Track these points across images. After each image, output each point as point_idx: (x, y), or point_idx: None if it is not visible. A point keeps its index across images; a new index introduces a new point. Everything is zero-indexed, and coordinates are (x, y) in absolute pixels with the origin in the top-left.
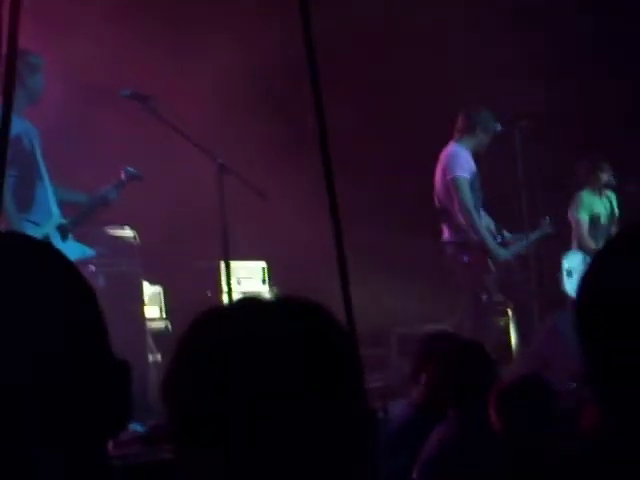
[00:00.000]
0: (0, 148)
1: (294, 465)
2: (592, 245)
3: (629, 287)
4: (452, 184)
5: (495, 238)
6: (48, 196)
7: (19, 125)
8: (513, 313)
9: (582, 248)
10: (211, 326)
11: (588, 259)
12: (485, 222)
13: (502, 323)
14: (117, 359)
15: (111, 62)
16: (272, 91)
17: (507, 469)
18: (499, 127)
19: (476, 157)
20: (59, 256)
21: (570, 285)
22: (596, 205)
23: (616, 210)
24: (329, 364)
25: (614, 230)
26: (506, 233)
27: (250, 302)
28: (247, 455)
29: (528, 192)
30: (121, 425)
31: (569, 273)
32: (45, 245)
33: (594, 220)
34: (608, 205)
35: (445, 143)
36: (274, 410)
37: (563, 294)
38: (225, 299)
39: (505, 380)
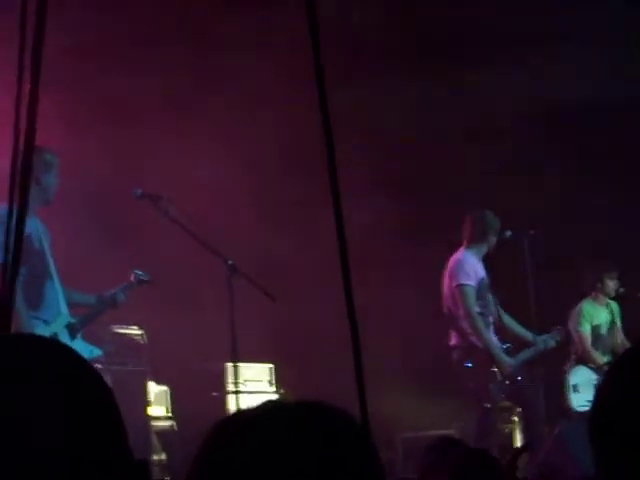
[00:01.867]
0: (14, 248)
1: None
2: (596, 358)
3: (636, 403)
4: (457, 292)
5: (502, 345)
6: (57, 295)
7: (30, 224)
8: (519, 419)
9: (586, 361)
10: (233, 431)
11: (594, 373)
12: (508, 321)
13: (507, 429)
14: (137, 459)
15: (121, 160)
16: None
17: None
18: (509, 233)
19: (486, 261)
20: (71, 355)
21: (577, 400)
22: (597, 315)
23: (617, 319)
24: (348, 473)
25: (616, 339)
26: (533, 336)
27: (273, 407)
28: None
29: (537, 300)
30: None
31: (575, 388)
32: (69, 349)
33: (595, 331)
34: (610, 314)
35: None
36: None
37: (567, 406)
38: (231, 400)
39: None
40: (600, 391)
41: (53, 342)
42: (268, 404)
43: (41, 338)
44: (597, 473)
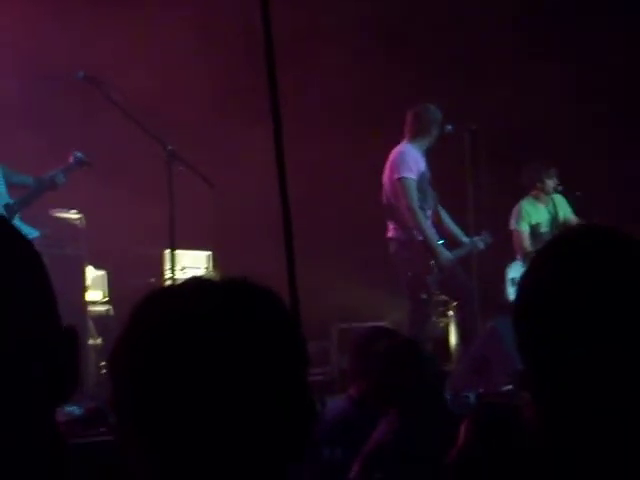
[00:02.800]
0: None
1: (230, 451)
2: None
3: (558, 289)
4: (399, 184)
5: (439, 239)
6: None
7: None
8: (454, 313)
9: (525, 258)
10: (158, 303)
11: None
12: (445, 218)
13: (443, 323)
14: (64, 326)
15: (64, 43)
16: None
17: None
18: (450, 128)
19: (427, 156)
20: (3, 223)
21: (513, 293)
22: (536, 213)
23: (562, 213)
24: (273, 349)
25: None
26: (464, 236)
27: (199, 282)
28: (183, 439)
29: (475, 195)
30: (71, 389)
31: (513, 281)
32: None
33: (534, 229)
34: (552, 210)
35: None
36: (212, 394)
37: (503, 300)
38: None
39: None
40: (522, 279)
41: None
42: (195, 279)
43: None
44: (522, 361)
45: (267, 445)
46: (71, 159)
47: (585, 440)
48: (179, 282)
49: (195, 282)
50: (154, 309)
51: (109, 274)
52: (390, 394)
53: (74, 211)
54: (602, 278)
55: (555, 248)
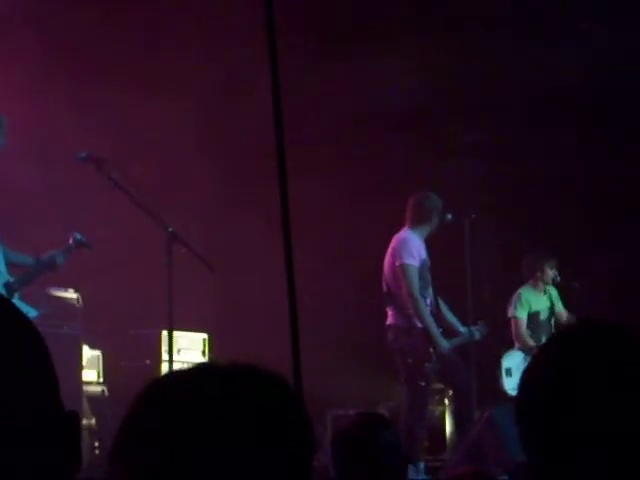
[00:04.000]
0: None
1: None
2: (531, 343)
3: (561, 387)
4: (400, 271)
5: (438, 327)
6: None
7: None
8: (450, 401)
9: (521, 347)
10: (164, 388)
11: (528, 358)
12: (443, 307)
13: (438, 411)
14: (66, 410)
15: (69, 123)
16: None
17: None
18: (451, 217)
19: (427, 243)
20: (9, 305)
21: (509, 384)
22: (535, 301)
23: (557, 305)
24: (281, 435)
25: (560, 323)
26: (461, 326)
27: (205, 367)
28: None
29: (474, 284)
30: (74, 473)
31: (508, 372)
32: (4, 300)
33: (533, 317)
34: (549, 300)
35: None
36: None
37: (500, 390)
38: (164, 368)
39: (450, 473)
40: (525, 373)
41: None
42: (201, 364)
43: None
44: (525, 453)
45: None
46: (71, 240)
47: None
48: (185, 368)
49: (200, 367)
50: (159, 394)
51: (104, 354)
52: None
53: (71, 290)
54: (606, 377)
55: (558, 344)
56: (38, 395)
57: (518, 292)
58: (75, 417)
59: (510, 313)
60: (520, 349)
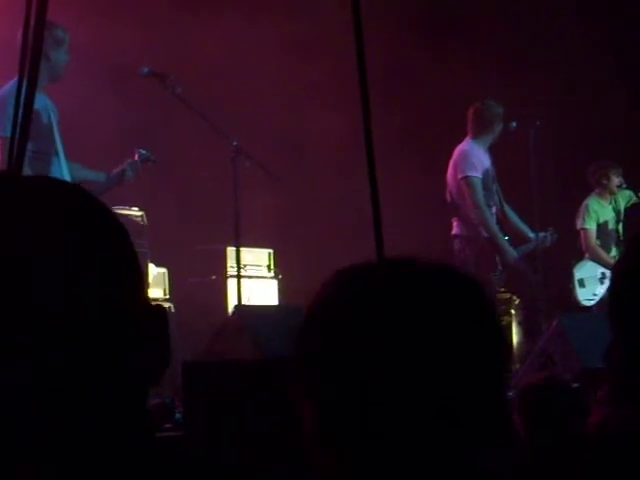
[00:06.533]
0: (22, 125)
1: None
2: (602, 254)
3: None
4: (463, 183)
5: (504, 236)
6: (63, 172)
7: (39, 100)
8: (517, 311)
9: (592, 258)
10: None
11: (599, 268)
12: (511, 215)
13: (505, 321)
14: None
15: (131, 40)
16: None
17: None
18: (515, 124)
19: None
20: (93, 198)
21: (582, 294)
22: (602, 212)
23: (622, 210)
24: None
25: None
26: (531, 232)
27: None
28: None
29: (540, 192)
30: (163, 370)
31: (581, 282)
32: (79, 188)
33: (601, 227)
34: (615, 208)
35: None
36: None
37: (571, 300)
38: (230, 284)
39: (521, 383)
40: (616, 267)
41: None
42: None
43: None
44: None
45: (457, 436)
46: (136, 156)
47: None
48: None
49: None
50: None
51: (170, 271)
52: None
53: (136, 208)
54: None
55: None
56: (128, 287)
57: (585, 203)
58: (162, 310)
59: (579, 225)
60: (591, 259)
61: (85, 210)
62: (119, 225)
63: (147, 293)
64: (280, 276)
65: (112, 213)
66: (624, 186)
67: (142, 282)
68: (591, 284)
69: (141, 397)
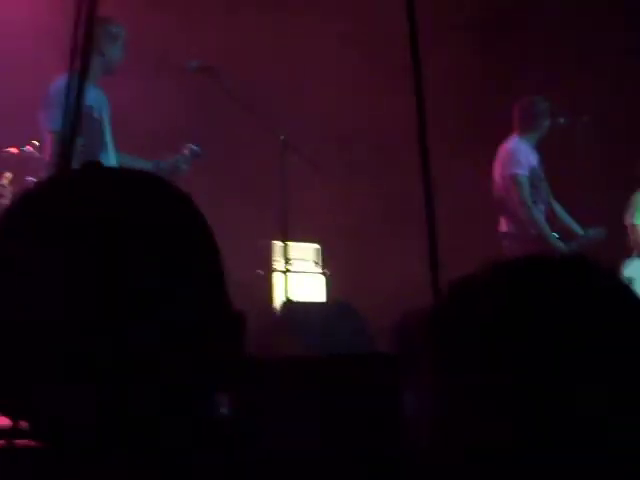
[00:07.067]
0: (74, 117)
1: None
2: None
3: None
4: (510, 181)
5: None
6: (116, 164)
7: (91, 95)
8: None
9: None
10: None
11: None
12: (559, 212)
13: None
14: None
15: (179, 33)
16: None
17: None
18: (563, 120)
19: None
20: (193, 204)
21: None
22: None
23: None
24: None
25: None
26: (580, 228)
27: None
28: None
29: (588, 189)
30: (233, 379)
31: (630, 281)
32: (183, 194)
33: None
34: None
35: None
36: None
37: None
38: (276, 279)
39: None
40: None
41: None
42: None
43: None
44: None
45: None
46: (186, 151)
47: None
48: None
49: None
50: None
51: None
52: None
53: None
54: None
55: None
56: (211, 291)
57: (634, 197)
58: (242, 318)
59: (628, 220)
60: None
61: (189, 218)
62: (211, 232)
63: (229, 297)
64: (328, 272)
65: (206, 221)
66: None
67: (226, 287)
68: None
69: (208, 400)
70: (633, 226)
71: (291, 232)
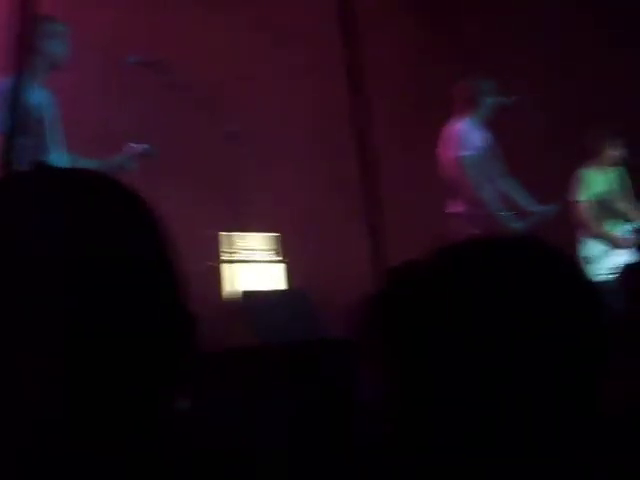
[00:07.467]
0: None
1: None
2: (597, 228)
3: None
4: (456, 163)
5: (506, 211)
6: (62, 164)
7: (35, 95)
8: None
9: (588, 233)
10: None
11: (601, 245)
12: (513, 189)
13: None
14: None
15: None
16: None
17: None
18: (511, 99)
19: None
20: (142, 202)
21: (591, 271)
22: (601, 183)
23: (627, 185)
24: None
25: (624, 207)
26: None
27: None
28: None
29: (541, 165)
30: (183, 381)
31: (587, 260)
32: (132, 193)
33: (599, 200)
34: (617, 181)
35: None
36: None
37: None
38: (226, 269)
39: None
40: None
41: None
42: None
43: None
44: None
45: None
46: (133, 149)
47: None
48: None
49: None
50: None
51: None
52: None
53: None
54: None
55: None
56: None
57: (581, 174)
58: (193, 320)
59: (573, 196)
60: (590, 236)
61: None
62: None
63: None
64: (287, 259)
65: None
66: (625, 157)
67: (180, 284)
68: (598, 260)
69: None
70: (576, 203)
71: (248, 222)
